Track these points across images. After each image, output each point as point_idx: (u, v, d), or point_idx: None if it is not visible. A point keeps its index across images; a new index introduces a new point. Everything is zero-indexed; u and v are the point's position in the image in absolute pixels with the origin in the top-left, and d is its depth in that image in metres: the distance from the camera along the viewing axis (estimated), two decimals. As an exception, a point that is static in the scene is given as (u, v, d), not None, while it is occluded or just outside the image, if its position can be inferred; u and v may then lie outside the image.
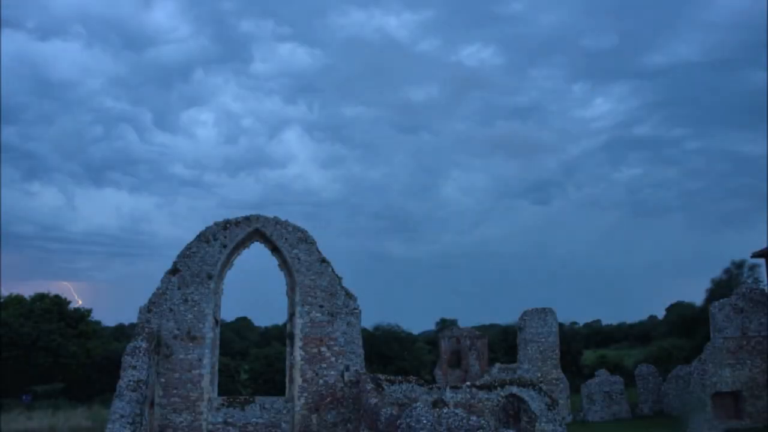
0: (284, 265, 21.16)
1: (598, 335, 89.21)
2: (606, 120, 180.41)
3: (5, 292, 52.99)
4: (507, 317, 72.19)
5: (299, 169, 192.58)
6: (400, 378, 20.11)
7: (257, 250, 21.53)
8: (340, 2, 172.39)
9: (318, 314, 20.55)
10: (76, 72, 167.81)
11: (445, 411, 12.47)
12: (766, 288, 30.77)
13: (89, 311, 54.44)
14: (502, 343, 60.10)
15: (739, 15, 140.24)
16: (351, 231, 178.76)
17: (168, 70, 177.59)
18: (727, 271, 52.63)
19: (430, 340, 64.57)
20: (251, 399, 20.38)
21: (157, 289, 20.01)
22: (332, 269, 20.97)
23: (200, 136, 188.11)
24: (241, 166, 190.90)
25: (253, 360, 55.58)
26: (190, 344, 19.69)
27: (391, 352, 57.30)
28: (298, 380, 20.12)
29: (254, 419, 19.76)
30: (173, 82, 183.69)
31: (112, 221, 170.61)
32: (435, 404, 18.42)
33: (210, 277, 20.22)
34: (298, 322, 20.49)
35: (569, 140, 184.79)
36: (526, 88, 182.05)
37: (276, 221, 21.02)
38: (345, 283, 21.08)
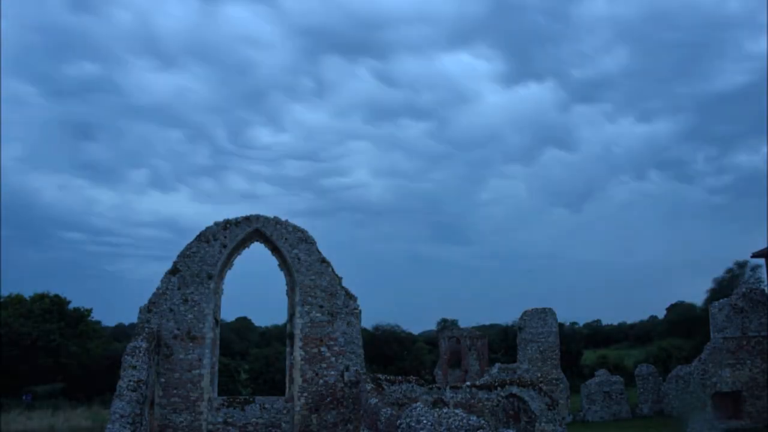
0: (284, 265, 21.14)
1: (598, 335, 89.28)
2: (635, 143, 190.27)
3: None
4: (507, 317, 72.37)
5: (354, 179, 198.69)
6: (400, 378, 20.07)
7: (257, 250, 21.52)
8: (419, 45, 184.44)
9: (318, 314, 20.54)
10: (172, 95, 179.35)
11: (445, 411, 12.44)
12: (766, 288, 30.81)
13: (89, 311, 54.47)
14: (502, 343, 60.24)
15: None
16: (392, 236, 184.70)
17: (249, 95, 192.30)
18: (729, 270, 52.69)
19: (430, 340, 64.59)
20: (251, 399, 20.33)
21: (157, 289, 19.96)
22: (332, 269, 20.94)
23: (264, 150, 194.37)
24: (299, 177, 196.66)
25: (253, 360, 55.64)
26: (190, 344, 19.67)
27: (391, 352, 57.41)
28: (298, 380, 20.11)
29: (254, 419, 19.74)
30: (252, 104, 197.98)
31: (163, 227, 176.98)
32: (435, 404, 18.42)
33: (210, 277, 20.21)
34: (298, 322, 20.47)
35: (602, 158, 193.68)
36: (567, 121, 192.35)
37: (276, 221, 20.97)
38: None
